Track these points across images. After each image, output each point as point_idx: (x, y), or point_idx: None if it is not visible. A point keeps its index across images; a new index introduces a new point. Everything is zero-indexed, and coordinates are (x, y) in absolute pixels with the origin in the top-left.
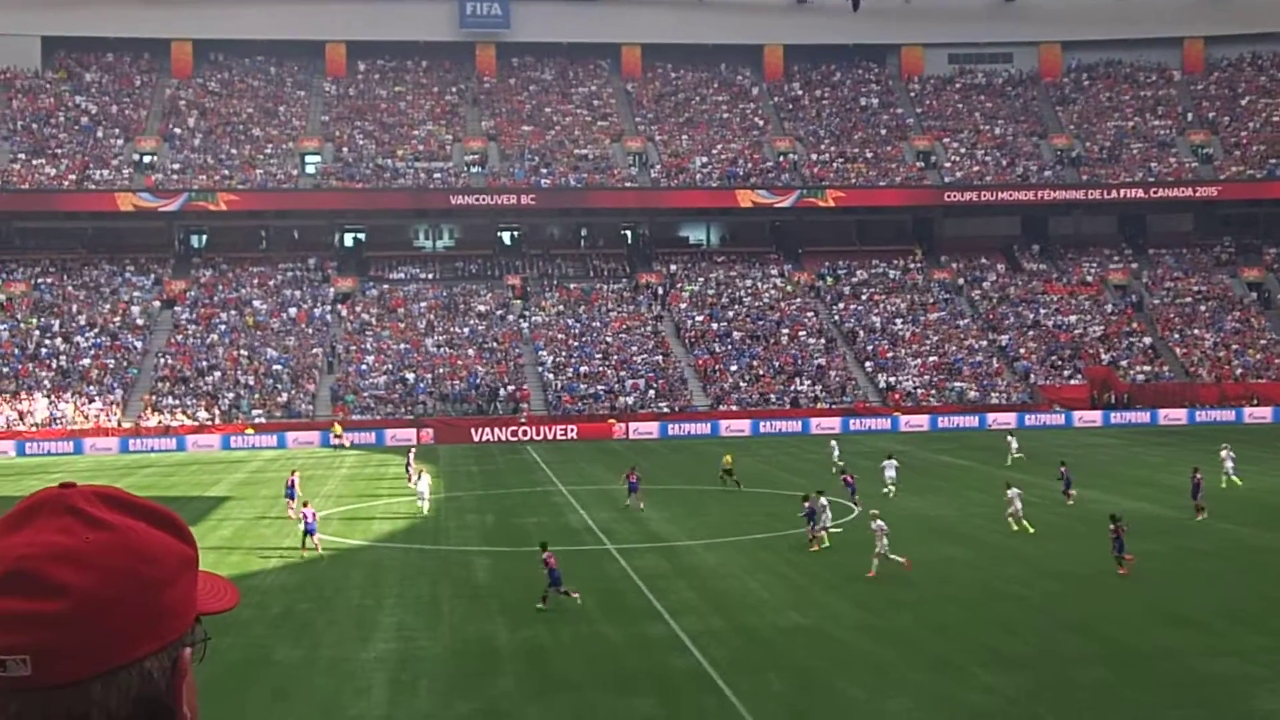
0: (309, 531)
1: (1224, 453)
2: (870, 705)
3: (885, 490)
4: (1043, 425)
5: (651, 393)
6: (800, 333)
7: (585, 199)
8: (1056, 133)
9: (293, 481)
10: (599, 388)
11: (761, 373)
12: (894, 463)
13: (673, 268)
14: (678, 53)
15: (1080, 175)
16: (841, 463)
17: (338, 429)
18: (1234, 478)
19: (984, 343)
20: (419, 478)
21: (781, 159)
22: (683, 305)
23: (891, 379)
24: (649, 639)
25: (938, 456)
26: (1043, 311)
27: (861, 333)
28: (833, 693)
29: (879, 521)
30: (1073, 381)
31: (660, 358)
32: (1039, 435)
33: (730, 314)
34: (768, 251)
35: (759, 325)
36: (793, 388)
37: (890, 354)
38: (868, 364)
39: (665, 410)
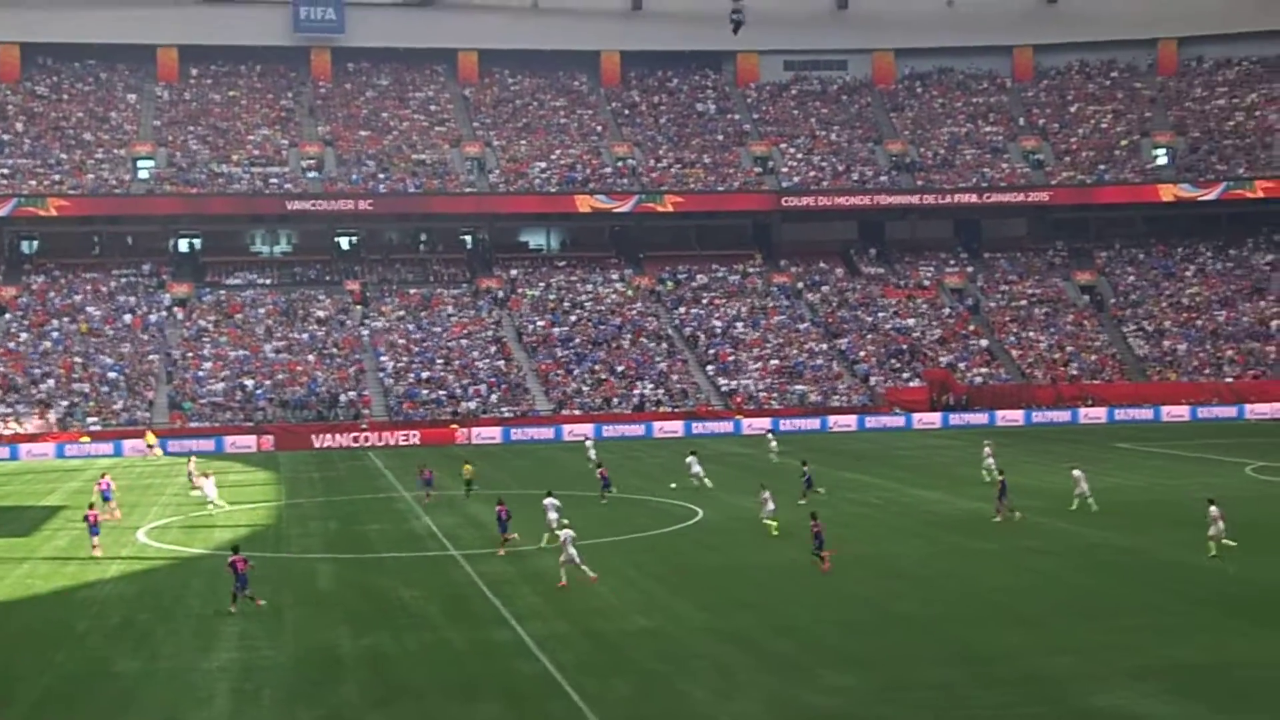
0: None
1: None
2: (715, 707)
3: (698, 484)
4: (883, 427)
5: (494, 397)
6: (642, 337)
7: (424, 204)
8: (891, 138)
9: (105, 485)
10: (441, 393)
11: (604, 377)
12: (695, 458)
13: (513, 272)
14: (514, 58)
15: (915, 180)
16: (595, 460)
17: (150, 437)
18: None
19: (824, 346)
20: (205, 481)
21: (620, 164)
22: (524, 310)
23: (733, 383)
24: (495, 644)
25: (778, 460)
26: (881, 315)
27: (703, 336)
28: (678, 695)
29: (568, 531)
30: (912, 384)
31: (502, 362)
32: (880, 438)
33: (572, 318)
34: (608, 256)
35: (601, 330)
36: (635, 392)
37: (731, 357)
38: (709, 368)
39: (508, 415)
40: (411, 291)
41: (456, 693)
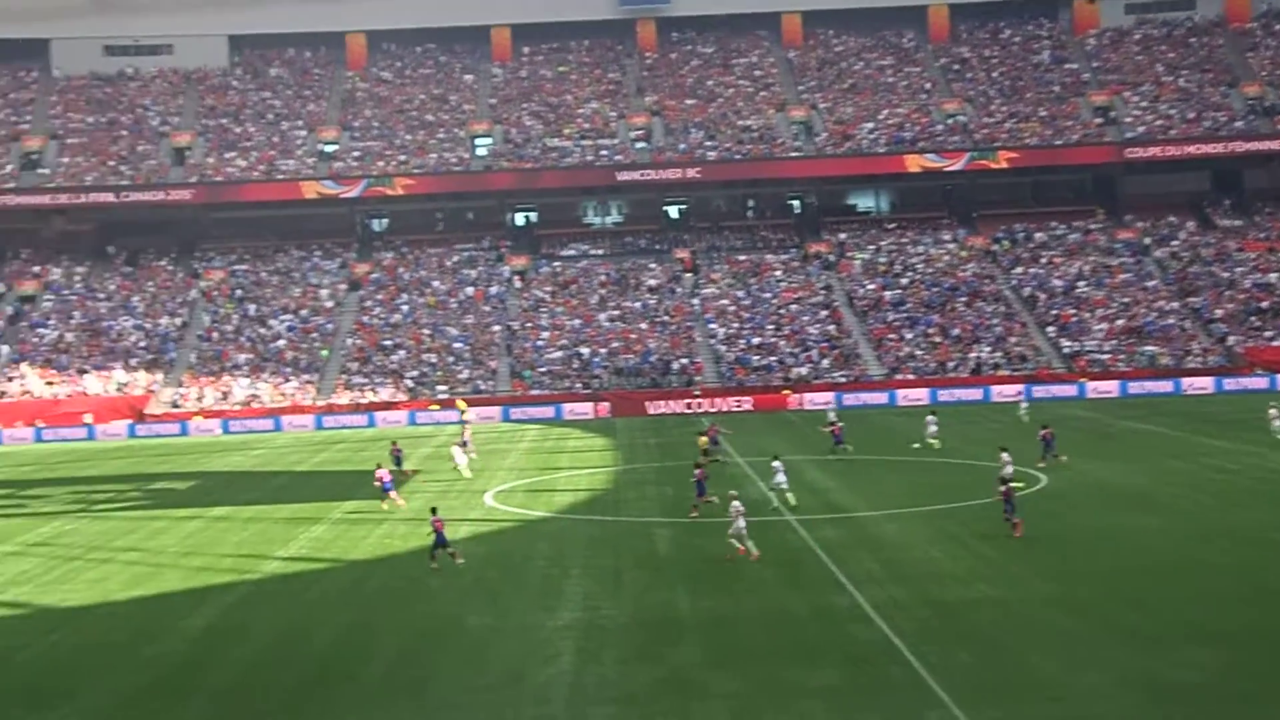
0: (386, 490)
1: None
2: (1064, 679)
3: (919, 444)
4: (1243, 390)
5: (825, 362)
6: (978, 299)
7: (751, 170)
8: (1248, 80)
9: (397, 452)
10: (772, 359)
11: (938, 340)
12: (934, 418)
13: (842, 236)
14: (839, 18)
15: (1276, 125)
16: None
17: (461, 404)
18: None
19: (1175, 304)
20: (457, 450)
21: (950, 121)
22: (854, 274)
23: (1076, 344)
24: (832, 609)
25: (1127, 423)
26: (1239, 270)
27: (1042, 297)
28: (1024, 666)
29: (737, 503)
30: (1275, 343)
31: (833, 327)
32: (1240, 400)
33: (904, 281)
34: (939, 216)
35: (934, 292)
36: (971, 355)
37: (1074, 318)
38: (1050, 329)
39: (840, 380)
40: (740, 258)
41: (795, 656)
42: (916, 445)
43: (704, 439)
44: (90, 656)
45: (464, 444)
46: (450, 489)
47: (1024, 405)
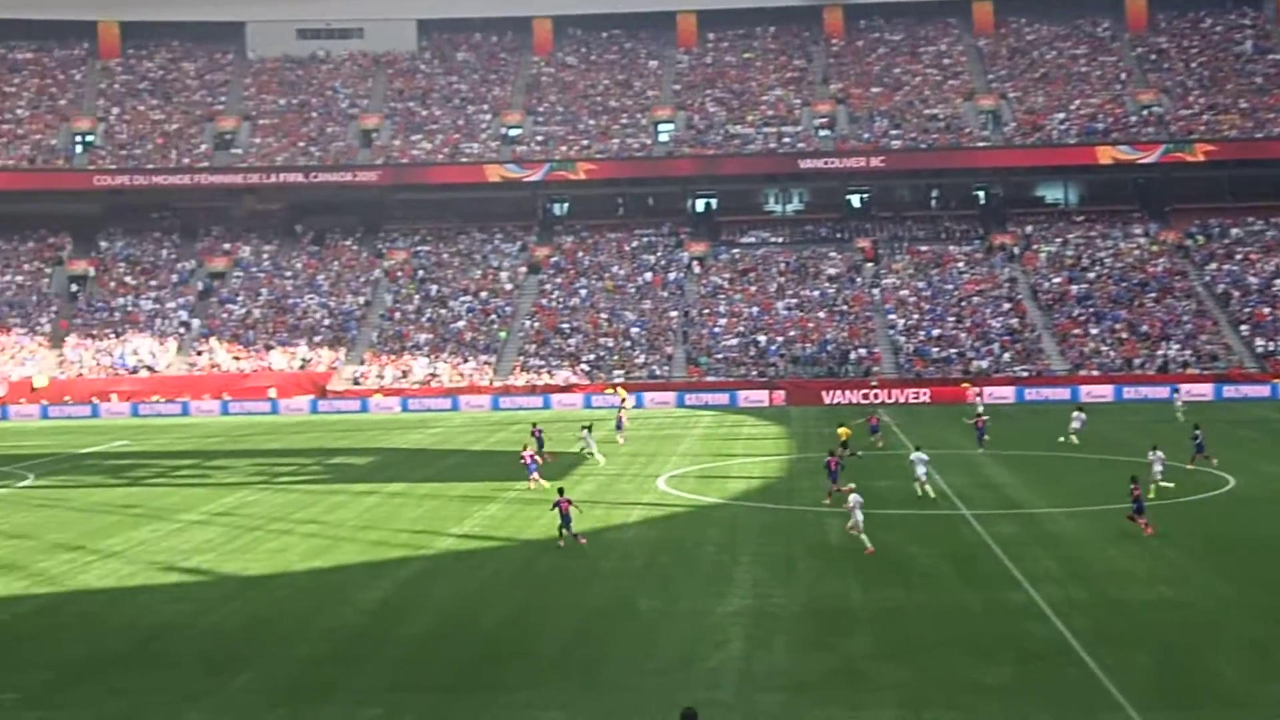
0: (530, 471)
1: None
2: (1247, 687)
3: (1063, 439)
4: None
5: (1007, 356)
6: (1168, 295)
7: (936, 160)
8: None
9: (538, 434)
10: (951, 351)
11: (1125, 336)
12: (1082, 415)
13: (1028, 228)
14: (1032, 6)
15: None
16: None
17: (621, 391)
18: None
19: None
20: (587, 435)
21: (1145, 113)
22: (1040, 267)
23: (1270, 344)
24: (1007, 606)
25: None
26: None
27: (1236, 294)
28: (1206, 671)
29: (855, 496)
30: None
31: (1016, 320)
32: None
33: (1091, 275)
34: (1130, 210)
35: (1122, 287)
36: (1160, 352)
37: (1270, 317)
38: (1243, 327)
39: (1022, 374)
40: (923, 248)
41: (968, 651)
42: (1061, 439)
43: (844, 430)
44: (269, 625)
45: (619, 427)
46: (624, 473)
47: (1180, 404)
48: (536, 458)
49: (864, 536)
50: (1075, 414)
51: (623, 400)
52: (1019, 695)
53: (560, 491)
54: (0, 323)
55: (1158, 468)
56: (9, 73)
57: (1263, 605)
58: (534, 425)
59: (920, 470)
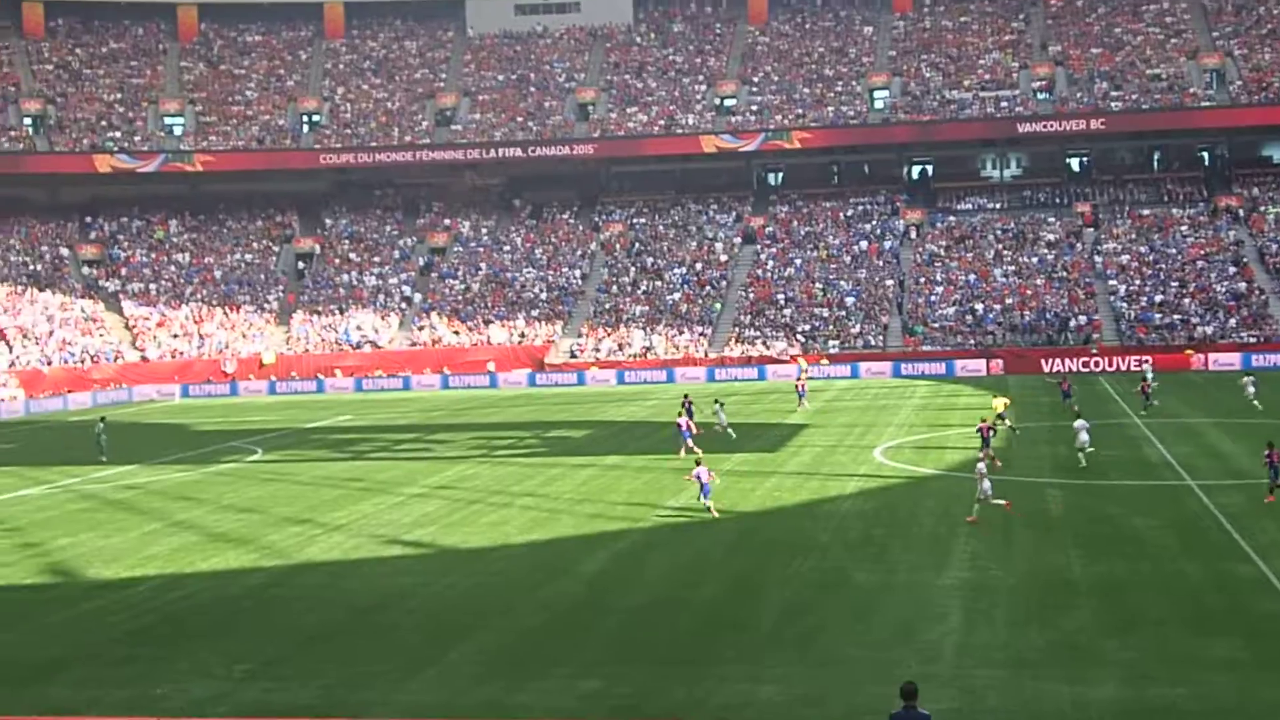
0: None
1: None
2: None
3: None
4: None
5: (1232, 322)
6: None
7: (1158, 121)
8: None
9: (688, 405)
10: (1175, 317)
11: None
12: (1252, 378)
13: (1255, 190)
14: None
15: None
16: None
17: (801, 362)
18: None
19: None
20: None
21: None
22: (1268, 229)
23: None
24: (1234, 579)
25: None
26: None
27: None
28: None
29: (981, 465)
30: None
31: (1243, 285)
32: None
33: None
34: None
35: None
36: None
37: None
38: None
39: (1249, 340)
40: (1144, 212)
41: (1194, 625)
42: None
43: (1003, 400)
44: (489, 595)
45: (800, 396)
46: (840, 444)
47: (1250, 386)
48: (692, 426)
49: (996, 501)
50: (1247, 379)
51: (804, 370)
52: (1249, 672)
53: (698, 462)
54: (230, 300)
55: (1084, 436)
56: (239, 55)
57: None
58: (685, 396)
59: (1084, 437)
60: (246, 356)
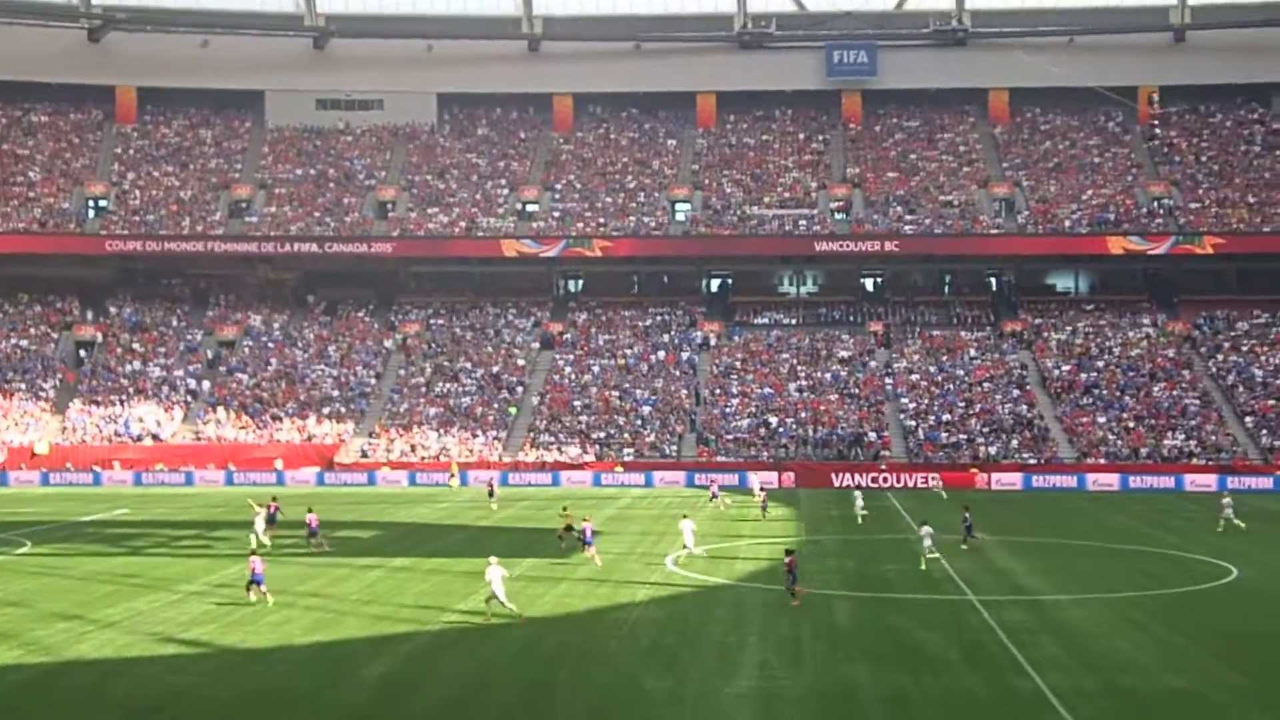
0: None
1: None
2: None
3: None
4: None
5: (1015, 442)
6: (1175, 386)
7: (950, 246)
8: None
9: (274, 510)
10: (961, 436)
11: (1131, 425)
12: (1229, 500)
13: (1038, 317)
14: (1047, 96)
15: None
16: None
17: (454, 468)
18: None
19: None
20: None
21: (1156, 204)
22: (1049, 354)
23: (1276, 439)
24: (1013, 693)
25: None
26: None
27: (1242, 387)
28: None
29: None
30: None
31: (1025, 407)
32: None
33: (1099, 364)
34: (1139, 300)
35: (1130, 376)
36: (1165, 442)
37: (1275, 410)
38: (1248, 420)
39: (1030, 461)
40: (935, 333)
41: None
42: (1220, 529)
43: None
44: (270, 699)
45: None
46: (632, 550)
47: (1228, 508)
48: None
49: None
50: (1225, 501)
51: (451, 477)
52: None
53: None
54: (3, 387)
55: (927, 542)
56: (23, 135)
57: (1272, 694)
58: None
59: (928, 543)
60: (18, 446)
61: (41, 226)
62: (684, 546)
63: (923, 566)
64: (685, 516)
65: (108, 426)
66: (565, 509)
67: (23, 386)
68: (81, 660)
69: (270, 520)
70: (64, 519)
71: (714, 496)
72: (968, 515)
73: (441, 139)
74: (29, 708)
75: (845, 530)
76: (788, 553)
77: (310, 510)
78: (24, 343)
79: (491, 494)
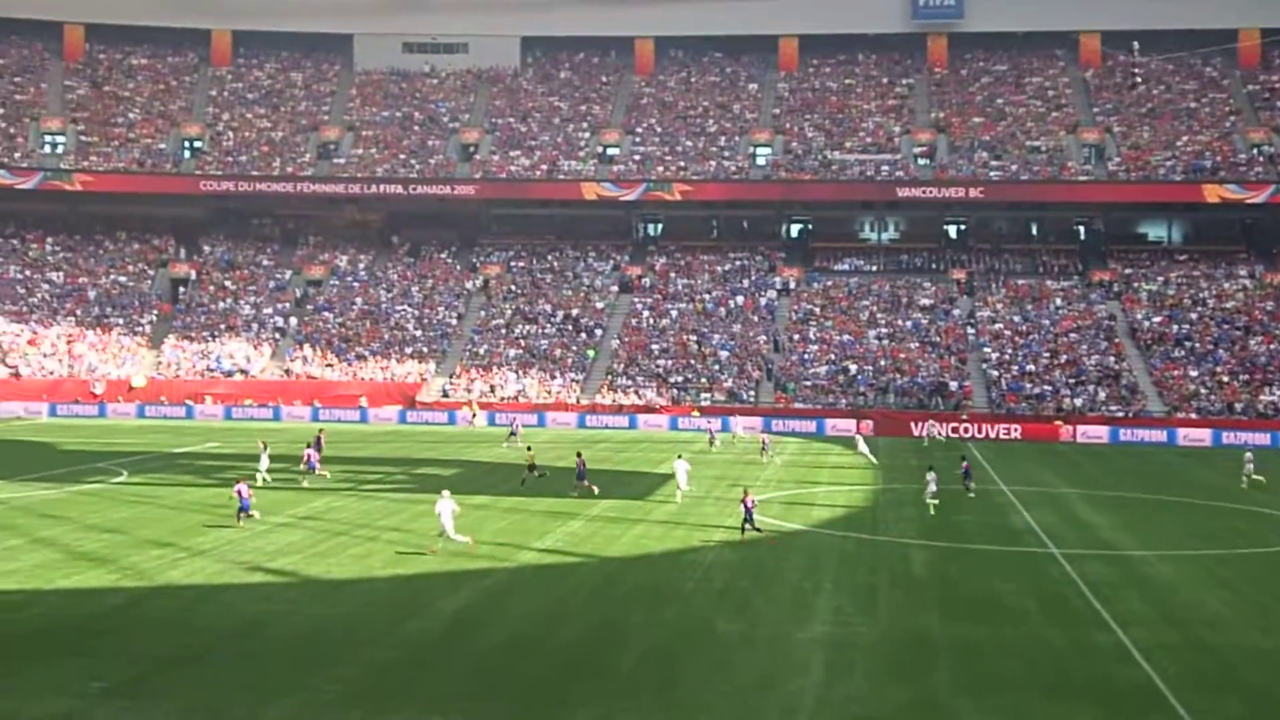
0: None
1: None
2: None
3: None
4: None
5: (1102, 395)
6: (1272, 340)
7: (1037, 193)
8: None
9: (312, 448)
10: (1045, 387)
11: (1225, 379)
12: (1250, 455)
13: (1129, 267)
14: (1142, 38)
15: None
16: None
17: (474, 407)
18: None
19: None
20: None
21: (1255, 152)
22: (1139, 305)
23: None
24: (1093, 647)
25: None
26: None
27: None
28: None
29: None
30: None
31: (1113, 359)
32: None
33: (1192, 316)
34: (1236, 251)
35: (1224, 329)
36: (1261, 397)
37: None
38: None
39: (1117, 414)
40: (1019, 282)
41: (1051, 691)
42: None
43: (530, 453)
44: (350, 629)
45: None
46: (708, 495)
47: (1249, 463)
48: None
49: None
50: (1247, 455)
51: (473, 416)
52: None
53: (745, 491)
54: (103, 322)
55: (932, 488)
56: (123, 77)
57: None
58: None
59: (933, 488)
60: (116, 379)
61: (140, 166)
62: (678, 488)
63: (930, 513)
64: (680, 456)
65: (200, 362)
66: (529, 448)
67: (120, 322)
68: (173, 585)
69: (317, 447)
70: (158, 450)
71: (711, 438)
72: (966, 463)
73: (524, 82)
74: (124, 629)
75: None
76: (745, 491)
77: (321, 431)
78: (122, 279)
79: (514, 434)
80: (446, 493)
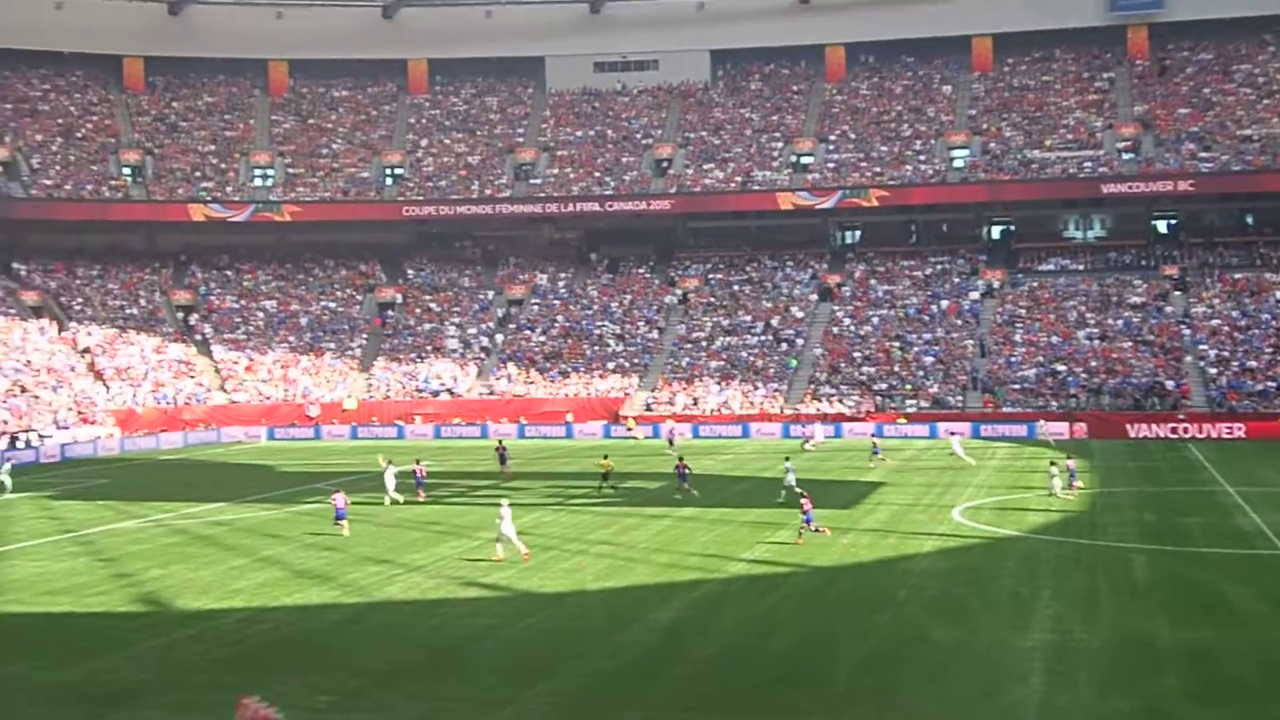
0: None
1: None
2: None
3: None
4: None
5: None
6: None
7: (1251, 183)
8: None
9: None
10: (1270, 383)
11: None
12: None
13: None
14: None
15: None
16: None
17: (631, 422)
18: None
19: None
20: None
21: None
22: None
23: None
24: None
25: None
26: None
27: None
28: None
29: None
30: None
31: None
32: None
33: None
34: None
35: None
36: None
37: None
38: None
39: None
40: (1236, 275)
41: None
42: None
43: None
44: (564, 639)
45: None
46: (918, 502)
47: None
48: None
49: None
50: None
51: (630, 429)
52: None
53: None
54: (315, 347)
55: (1057, 481)
56: (325, 110)
57: None
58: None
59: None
60: (329, 401)
61: (344, 195)
62: (784, 486)
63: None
64: (787, 459)
65: (409, 383)
66: (605, 457)
67: (332, 346)
68: (391, 601)
69: (419, 483)
70: (371, 470)
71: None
72: (1055, 468)
73: (715, 95)
74: (346, 644)
75: (1142, 482)
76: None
77: (418, 461)
78: (332, 305)
79: (671, 444)
80: (505, 503)
